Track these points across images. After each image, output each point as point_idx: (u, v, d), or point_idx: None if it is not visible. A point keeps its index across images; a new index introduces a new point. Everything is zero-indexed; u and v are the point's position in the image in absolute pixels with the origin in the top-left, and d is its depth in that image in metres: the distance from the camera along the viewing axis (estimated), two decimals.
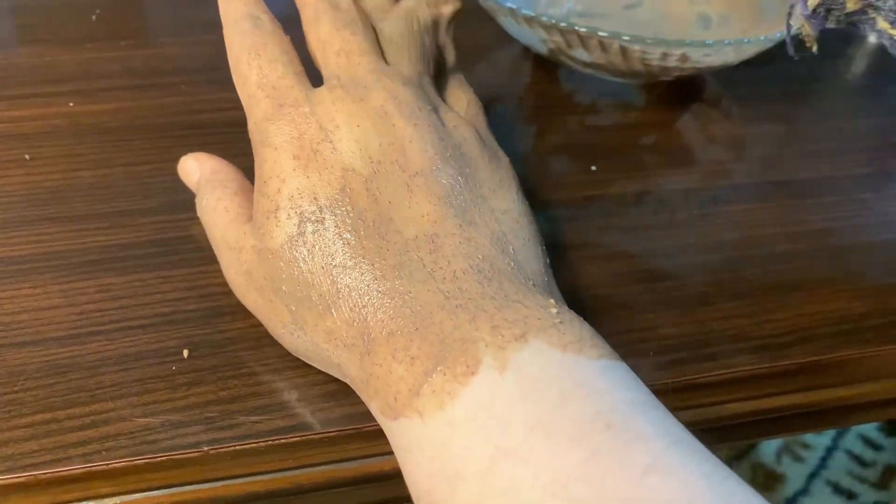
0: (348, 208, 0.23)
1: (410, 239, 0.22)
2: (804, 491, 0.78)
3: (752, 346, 0.27)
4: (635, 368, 0.21)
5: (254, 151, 0.25)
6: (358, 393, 0.23)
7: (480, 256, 0.22)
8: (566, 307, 0.22)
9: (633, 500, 0.17)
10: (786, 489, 0.78)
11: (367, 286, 0.22)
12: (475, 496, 0.19)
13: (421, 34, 0.29)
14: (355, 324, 0.22)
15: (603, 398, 0.19)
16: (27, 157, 0.32)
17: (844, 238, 0.32)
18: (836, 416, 0.28)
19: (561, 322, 0.20)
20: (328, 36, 0.27)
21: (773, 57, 0.39)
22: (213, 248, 0.26)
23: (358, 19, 0.27)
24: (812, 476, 0.79)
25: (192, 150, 0.29)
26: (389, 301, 0.21)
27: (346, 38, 0.26)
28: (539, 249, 0.24)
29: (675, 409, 0.23)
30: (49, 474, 0.22)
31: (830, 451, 0.80)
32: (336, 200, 0.23)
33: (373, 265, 0.22)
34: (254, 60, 0.26)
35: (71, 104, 0.35)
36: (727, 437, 0.27)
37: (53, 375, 0.24)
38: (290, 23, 0.28)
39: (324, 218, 0.23)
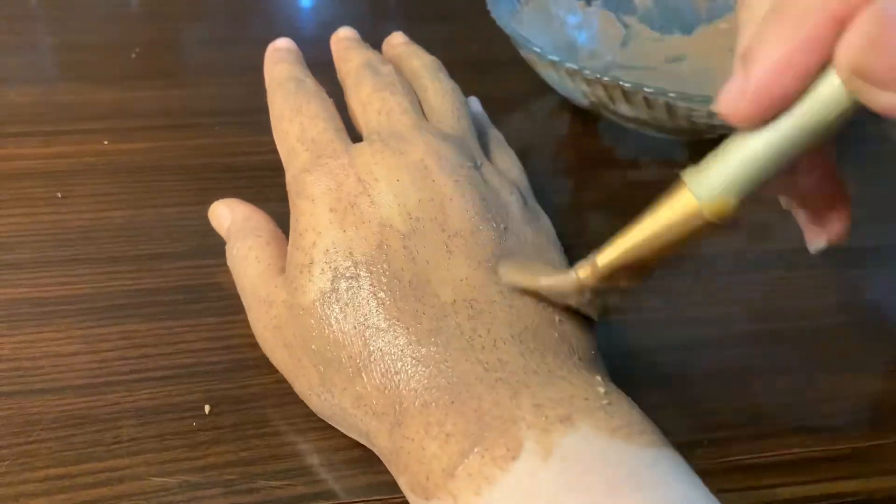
0: (384, 266, 0.22)
1: (448, 303, 0.21)
2: None
3: (805, 427, 0.25)
4: (681, 445, 0.20)
5: (290, 205, 0.24)
6: (386, 464, 0.21)
7: (523, 326, 0.21)
8: (612, 385, 0.20)
9: None
10: None
11: (401, 351, 0.21)
12: None
13: (462, 95, 0.28)
14: (386, 391, 0.21)
15: (654, 492, 0.17)
16: (59, 195, 0.32)
17: (893, 312, 0.30)
18: None
19: (609, 403, 0.19)
20: (369, 97, 0.26)
21: None
22: (242, 298, 0.25)
23: (398, 81, 0.27)
24: None
25: (223, 193, 0.29)
26: (424, 369, 0.20)
27: (387, 97, 0.26)
28: (584, 320, 0.23)
29: (726, 491, 0.22)
30: None
31: None
32: (372, 257, 0.22)
33: (407, 329, 0.21)
34: (295, 117, 0.25)
35: (105, 142, 0.35)
36: None
37: (69, 427, 0.23)
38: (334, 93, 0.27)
39: (359, 275, 0.22)
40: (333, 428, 0.24)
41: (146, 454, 0.22)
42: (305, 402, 0.23)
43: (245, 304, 0.25)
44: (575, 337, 0.22)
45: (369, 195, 0.23)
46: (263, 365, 0.25)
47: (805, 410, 0.26)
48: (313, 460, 0.23)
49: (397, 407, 0.20)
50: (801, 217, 0.22)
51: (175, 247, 0.30)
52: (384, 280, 0.22)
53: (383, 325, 0.21)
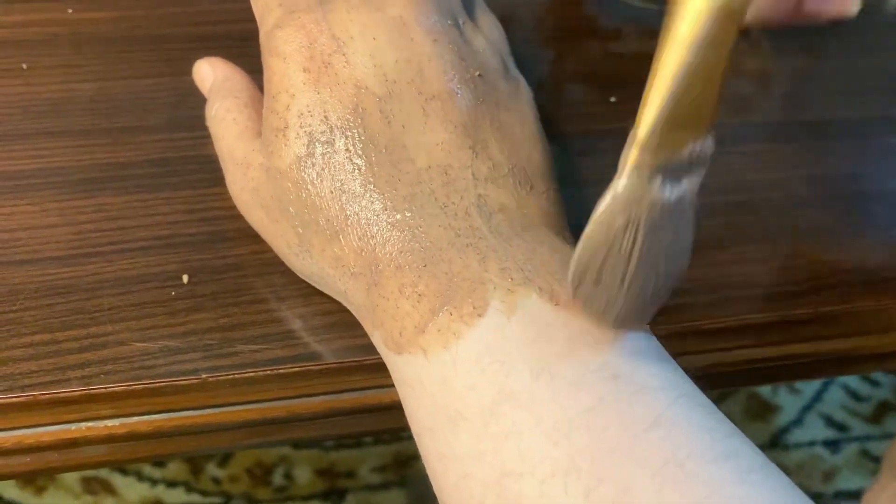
0: (360, 131, 0.22)
1: (423, 169, 0.22)
2: (797, 422, 0.79)
3: (763, 294, 0.26)
4: None
5: (263, 65, 0.24)
6: (361, 321, 0.22)
7: (495, 195, 0.22)
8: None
9: (635, 453, 0.17)
10: (779, 420, 0.79)
11: (377, 216, 0.21)
12: (475, 437, 0.18)
13: None
14: (363, 253, 0.21)
15: (610, 347, 0.18)
16: (24, 66, 0.31)
17: (869, 185, 0.31)
18: (841, 365, 0.28)
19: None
20: None
21: None
22: (220, 160, 0.25)
23: None
24: (806, 408, 0.80)
25: (193, 65, 0.28)
26: (399, 234, 0.21)
27: None
28: (555, 186, 0.23)
29: (678, 354, 0.23)
30: (48, 395, 0.22)
31: (827, 384, 0.81)
32: (348, 122, 0.22)
33: (383, 195, 0.21)
34: None
35: (70, 10, 0.34)
36: (730, 383, 0.27)
37: (52, 296, 0.24)
38: None
39: (334, 140, 0.22)
40: (310, 295, 0.24)
41: (127, 321, 0.23)
42: (285, 261, 0.24)
43: (223, 165, 0.25)
44: (545, 202, 0.22)
45: (344, 54, 0.22)
46: (241, 236, 0.26)
47: (765, 279, 0.26)
48: (291, 325, 0.24)
49: (373, 268, 0.21)
50: None
51: (148, 119, 0.29)
52: (360, 145, 0.22)
53: (359, 191, 0.21)
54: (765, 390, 0.80)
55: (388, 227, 0.21)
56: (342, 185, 0.22)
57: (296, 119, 0.22)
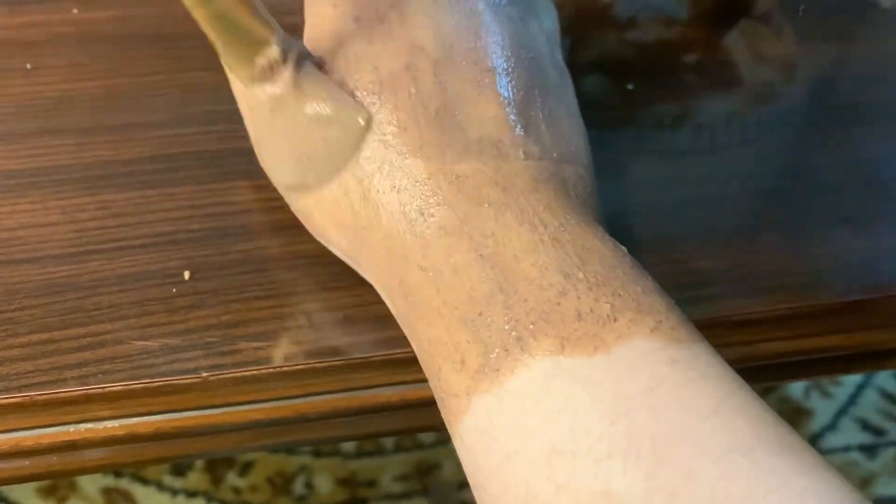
0: (412, 90, 0.20)
1: (474, 140, 0.20)
2: (831, 427, 0.76)
3: (791, 283, 0.25)
4: None
5: (306, 14, 0.23)
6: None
7: (546, 177, 0.21)
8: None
9: (698, 438, 0.16)
10: (812, 425, 0.77)
11: (419, 184, 0.20)
12: (525, 411, 0.17)
13: None
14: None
15: (669, 333, 0.17)
16: (28, 66, 0.31)
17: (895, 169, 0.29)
18: (876, 359, 0.26)
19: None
20: None
21: None
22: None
23: None
24: (840, 413, 0.77)
25: (197, 62, 0.28)
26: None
27: None
28: (591, 178, 0.23)
29: None
30: (45, 395, 0.21)
31: (861, 388, 0.79)
32: (399, 77, 0.21)
33: (429, 159, 0.20)
34: None
35: (75, 11, 0.33)
36: (758, 378, 0.25)
37: (51, 294, 0.23)
38: None
39: (381, 94, 0.20)
40: (316, 291, 0.23)
41: (127, 319, 0.23)
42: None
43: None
44: (589, 196, 0.21)
45: (401, 10, 0.21)
46: (244, 232, 0.25)
47: (794, 268, 0.25)
48: (296, 322, 0.23)
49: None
50: None
51: (151, 116, 0.29)
52: (409, 105, 0.20)
53: (405, 151, 0.20)
54: (797, 394, 0.78)
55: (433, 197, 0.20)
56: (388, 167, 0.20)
57: (342, 63, 0.21)
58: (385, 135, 0.20)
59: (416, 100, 0.20)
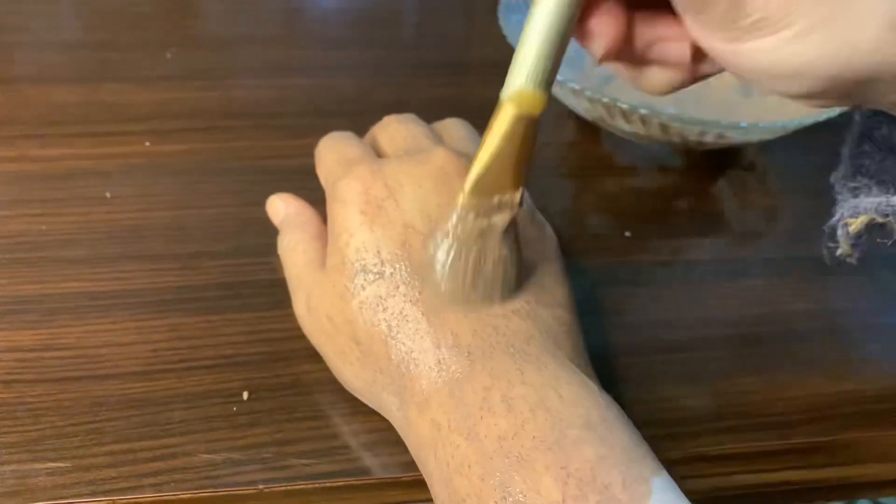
0: (407, 263, 0.25)
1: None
2: None
3: (764, 423, 0.29)
4: (654, 438, 0.23)
5: (328, 211, 0.28)
6: (399, 430, 0.26)
7: (514, 329, 0.25)
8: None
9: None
10: None
11: (421, 342, 0.25)
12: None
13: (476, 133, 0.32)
14: (400, 367, 0.25)
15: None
16: (108, 195, 0.35)
17: (864, 319, 0.34)
18: (839, 492, 0.30)
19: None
20: (395, 130, 0.30)
21: (816, 126, 0.40)
22: (289, 285, 0.29)
23: (420, 121, 0.30)
24: None
25: (258, 195, 0.32)
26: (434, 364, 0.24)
27: (411, 128, 0.30)
28: (576, 314, 0.27)
29: (685, 477, 0.25)
30: (125, 500, 0.25)
31: None
32: (396, 255, 0.26)
33: (429, 322, 0.25)
34: (335, 147, 0.30)
35: (147, 143, 0.38)
36: None
37: (129, 409, 0.27)
38: None
39: (384, 271, 0.26)
40: (354, 414, 0.27)
41: (195, 434, 0.26)
42: (337, 374, 0.27)
43: (290, 290, 0.29)
44: (577, 335, 0.26)
45: (395, 199, 0.26)
46: (296, 356, 0.29)
47: (765, 408, 0.29)
48: (338, 442, 0.27)
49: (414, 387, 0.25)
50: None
51: (216, 246, 0.33)
52: (405, 275, 0.25)
53: (405, 314, 0.25)
54: None
55: (429, 337, 0.25)
56: (388, 305, 0.25)
57: (353, 254, 0.26)
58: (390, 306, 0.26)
59: (412, 269, 0.25)
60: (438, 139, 0.30)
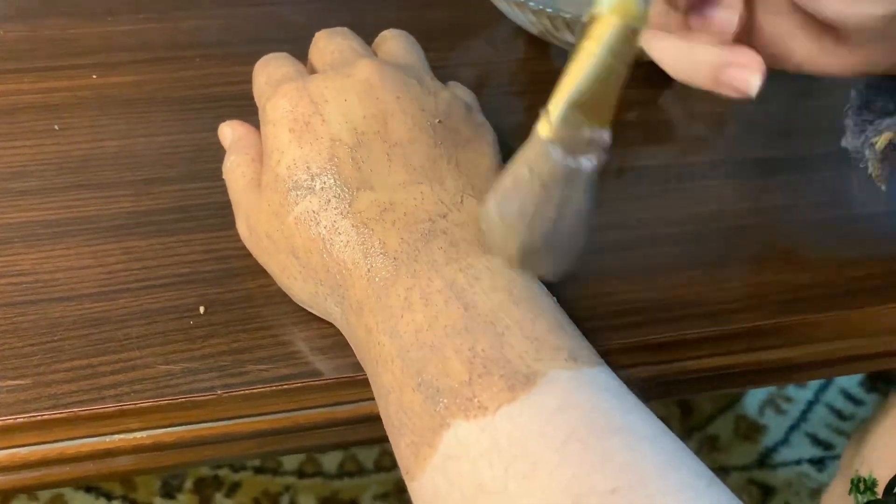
0: (336, 176, 0.26)
1: (387, 204, 0.26)
2: (783, 441, 0.82)
3: (704, 312, 0.30)
4: (596, 330, 0.24)
5: (261, 133, 0.28)
6: (338, 321, 0.27)
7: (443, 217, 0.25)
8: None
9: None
10: (766, 439, 0.82)
11: (349, 241, 0.26)
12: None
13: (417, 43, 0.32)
14: (337, 273, 0.26)
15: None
16: (56, 127, 0.35)
17: (802, 215, 0.35)
18: (780, 374, 0.31)
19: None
20: (325, 45, 0.30)
21: None
22: (231, 202, 0.30)
23: (353, 34, 0.30)
24: (792, 428, 0.83)
25: (206, 123, 0.33)
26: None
27: (339, 42, 0.30)
28: None
29: (630, 367, 0.27)
30: (86, 411, 0.26)
31: (811, 404, 0.84)
32: (325, 169, 0.26)
33: (355, 225, 0.25)
34: (265, 68, 0.30)
35: (94, 76, 0.38)
36: (678, 392, 0.30)
37: (87, 327, 0.27)
38: None
39: (314, 185, 0.26)
40: (307, 322, 0.28)
41: (153, 347, 0.27)
42: (284, 288, 0.28)
43: (234, 210, 0.30)
44: None
45: (321, 115, 0.27)
46: (248, 273, 0.30)
47: (706, 298, 0.30)
48: (293, 348, 0.28)
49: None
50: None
51: (168, 172, 0.33)
52: (335, 187, 0.26)
53: (334, 219, 0.26)
54: (752, 410, 0.84)
55: (359, 247, 0.25)
56: (321, 219, 0.26)
57: (284, 171, 0.27)
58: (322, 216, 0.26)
59: (341, 181, 0.26)
60: (369, 52, 0.30)
